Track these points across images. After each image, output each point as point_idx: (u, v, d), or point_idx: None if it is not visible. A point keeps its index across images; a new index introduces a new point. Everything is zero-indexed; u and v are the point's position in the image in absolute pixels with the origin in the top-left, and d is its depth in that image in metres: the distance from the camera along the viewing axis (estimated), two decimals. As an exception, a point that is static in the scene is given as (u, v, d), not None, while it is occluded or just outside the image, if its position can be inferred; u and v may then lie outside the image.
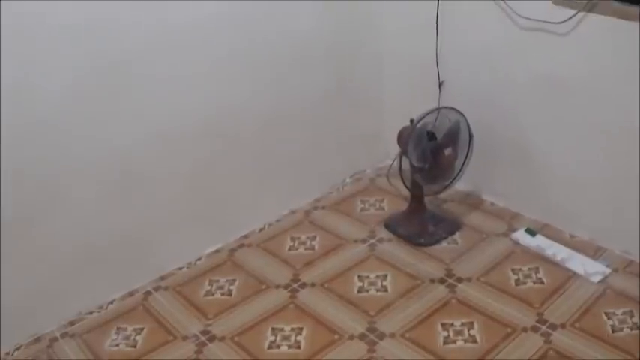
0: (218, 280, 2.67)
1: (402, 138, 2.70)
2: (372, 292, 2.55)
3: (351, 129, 3.22)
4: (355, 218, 3.03)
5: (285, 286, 2.61)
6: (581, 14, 2.36)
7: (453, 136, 2.64)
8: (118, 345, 2.38)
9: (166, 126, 2.51)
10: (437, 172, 2.69)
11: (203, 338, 2.38)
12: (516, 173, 2.89)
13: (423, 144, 2.60)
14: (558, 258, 2.61)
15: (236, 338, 2.37)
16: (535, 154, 2.77)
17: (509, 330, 2.30)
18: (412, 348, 2.26)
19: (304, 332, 2.37)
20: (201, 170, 2.69)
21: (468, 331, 2.31)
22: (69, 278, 2.44)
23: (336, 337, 2.34)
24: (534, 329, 2.29)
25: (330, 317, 2.43)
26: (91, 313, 2.54)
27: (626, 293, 2.42)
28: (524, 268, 2.59)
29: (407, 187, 2.80)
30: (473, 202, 3.07)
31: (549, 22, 2.45)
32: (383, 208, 3.09)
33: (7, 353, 2.36)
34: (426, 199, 2.91)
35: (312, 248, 2.84)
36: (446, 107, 2.65)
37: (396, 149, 2.75)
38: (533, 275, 2.55)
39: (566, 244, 2.69)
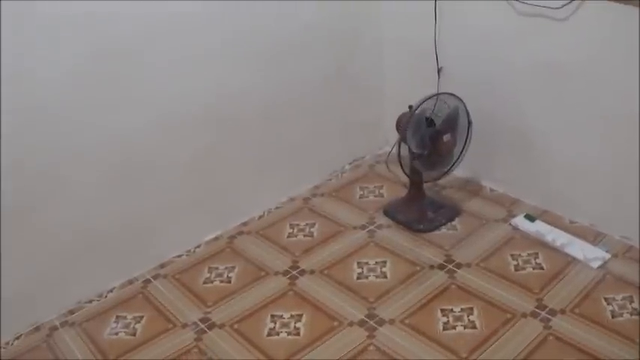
0: (217, 268, 2.67)
1: (401, 124, 2.69)
2: (372, 278, 2.55)
3: (350, 115, 3.22)
4: (354, 205, 3.03)
5: (285, 273, 2.61)
6: (580, -1, 2.36)
7: (451, 122, 2.63)
8: (117, 333, 2.38)
9: (166, 113, 2.51)
10: (436, 158, 2.68)
11: (202, 326, 2.38)
12: (515, 159, 2.88)
13: (421, 130, 2.59)
14: (558, 244, 2.61)
15: (235, 326, 2.37)
16: (534, 139, 2.76)
17: (508, 316, 2.30)
18: (412, 334, 2.26)
19: (304, 319, 2.37)
20: (200, 157, 2.69)
21: (468, 317, 2.31)
22: (68, 266, 2.44)
23: (336, 323, 2.34)
24: (534, 315, 2.29)
25: (329, 304, 2.43)
26: (90, 301, 2.54)
27: (626, 279, 2.42)
28: (524, 254, 2.59)
29: (406, 174, 2.79)
30: (472, 188, 3.06)
31: (548, 8, 2.44)
32: (382, 195, 3.08)
33: (7, 343, 2.36)
34: (425, 186, 2.90)
35: (312, 235, 2.84)
36: (444, 93, 2.64)
37: (395, 136, 2.74)
38: (533, 261, 2.55)
39: (565, 229, 2.69)
